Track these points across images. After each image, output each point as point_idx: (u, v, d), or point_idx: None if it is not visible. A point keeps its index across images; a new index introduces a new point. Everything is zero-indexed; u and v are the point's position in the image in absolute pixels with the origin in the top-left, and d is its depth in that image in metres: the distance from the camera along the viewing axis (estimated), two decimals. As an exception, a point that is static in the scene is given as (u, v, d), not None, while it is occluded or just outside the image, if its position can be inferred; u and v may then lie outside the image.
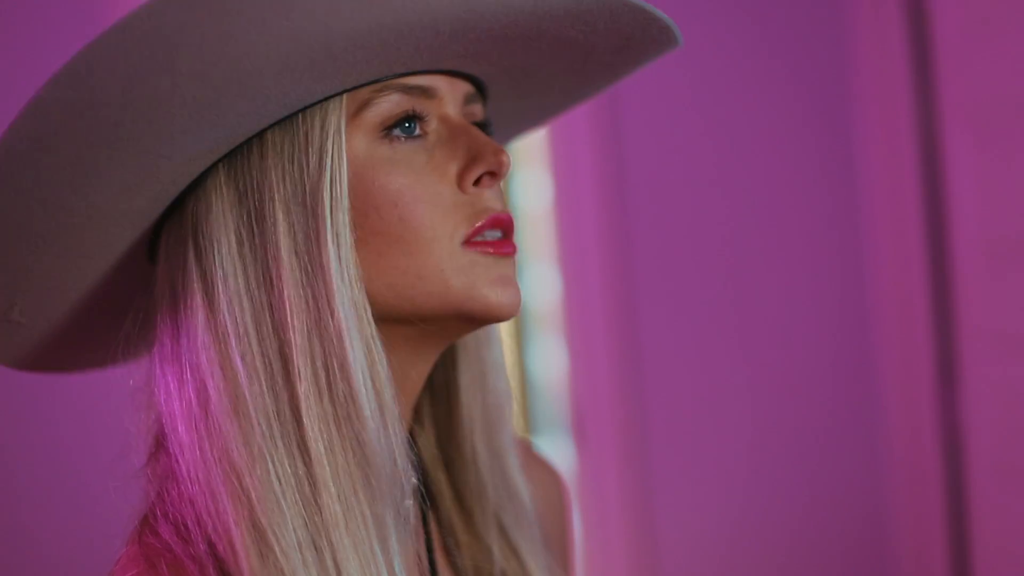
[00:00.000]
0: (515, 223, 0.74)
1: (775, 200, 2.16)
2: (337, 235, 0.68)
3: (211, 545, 0.67)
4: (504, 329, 0.85)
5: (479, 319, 0.72)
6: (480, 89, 0.77)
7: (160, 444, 0.72)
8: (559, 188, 2.15)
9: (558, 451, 2.24)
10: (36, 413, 1.70)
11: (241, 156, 0.69)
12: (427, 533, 0.79)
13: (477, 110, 0.76)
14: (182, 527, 0.68)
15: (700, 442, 2.13)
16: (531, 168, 2.27)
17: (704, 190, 2.14)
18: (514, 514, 0.83)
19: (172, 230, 0.72)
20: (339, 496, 0.67)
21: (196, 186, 0.70)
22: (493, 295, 0.71)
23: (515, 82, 0.78)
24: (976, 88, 1.93)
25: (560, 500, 0.94)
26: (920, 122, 2.04)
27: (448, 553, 0.82)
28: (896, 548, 2.16)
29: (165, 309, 0.71)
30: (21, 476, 1.72)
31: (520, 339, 2.56)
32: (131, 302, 0.76)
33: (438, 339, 0.75)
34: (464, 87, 0.75)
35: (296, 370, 0.67)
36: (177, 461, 0.69)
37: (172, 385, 0.70)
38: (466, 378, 0.82)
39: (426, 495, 0.79)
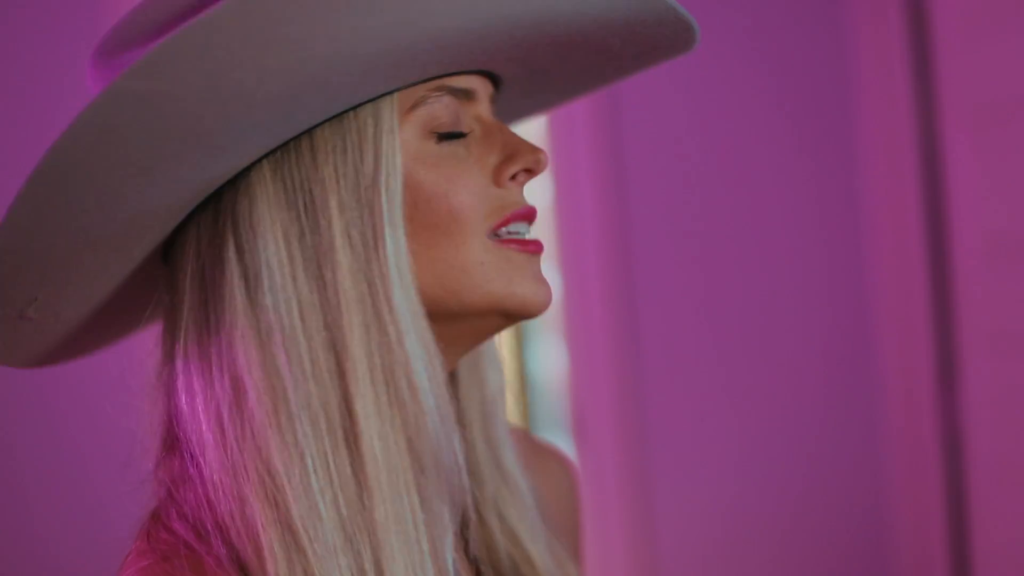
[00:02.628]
0: (537, 215, 0.76)
1: (775, 200, 2.16)
2: (395, 230, 0.68)
3: (232, 548, 0.66)
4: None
5: (516, 315, 0.73)
6: (497, 88, 0.79)
7: (170, 445, 0.71)
8: (559, 188, 2.15)
9: (558, 451, 2.24)
10: (42, 412, 1.70)
11: (287, 152, 0.69)
12: None
13: (493, 110, 0.78)
14: (201, 527, 0.67)
15: (700, 442, 2.13)
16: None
17: (704, 190, 2.14)
18: (513, 504, 0.83)
19: (204, 226, 0.71)
20: (392, 496, 0.67)
21: (235, 181, 0.70)
22: (531, 292, 0.73)
23: (531, 80, 0.80)
24: (976, 88, 1.93)
25: (570, 485, 0.95)
26: (920, 122, 2.04)
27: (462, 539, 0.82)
28: (896, 547, 2.16)
29: (195, 306, 0.70)
30: (27, 475, 1.72)
31: (520, 339, 2.56)
32: (137, 298, 0.76)
33: (471, 337, 0.75)
34: (491, 87, 0.76)
35: (352, 367, 0.67)
36: (197, 462, 0.68)
37: (197, 383, 0.69)
38: (464, 369, 0.82)
39: None
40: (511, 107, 0.85)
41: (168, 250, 0.74)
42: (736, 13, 2.11)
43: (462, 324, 0.73)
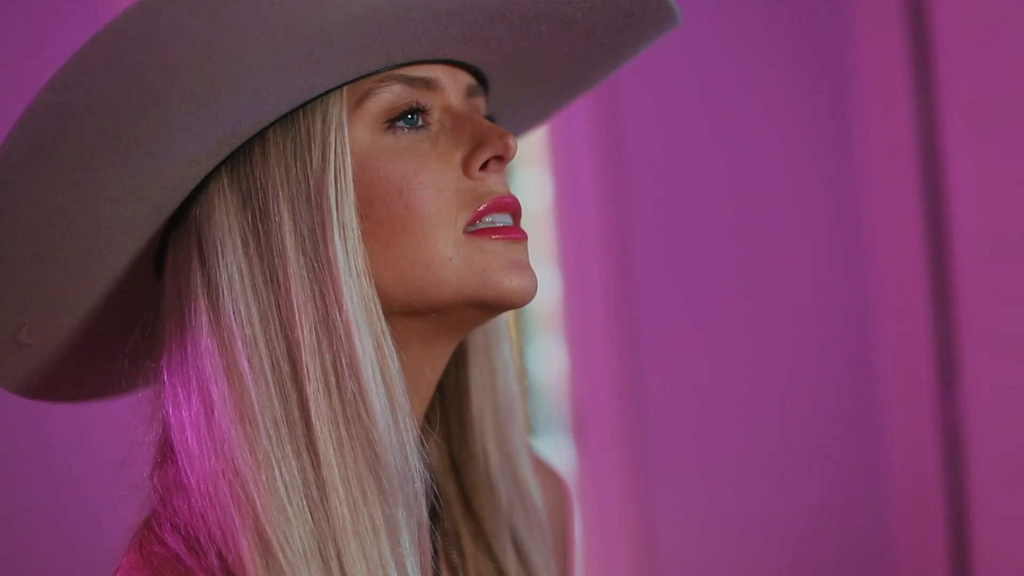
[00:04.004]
0: (521, 207, 0.73)
1: (775, 200, 2.16)
2: (344, 228, 0.67)
3: (222, 559, 0.65)
4: (504, 328, 0.84)
5: (495, 306, 0.70)
6: (482, 82, 0.76)
7: (166, 455, 0.71)
8: (559, 188, 2.15)
9: (558, 451, 2.23)
10: (36, 422, 1.69)
11: (243, 157, 0.68)
12: (432, 542, 0.77)
13: (480, 104, 0.76)
14: (193, 540, 0.66)
15: (700, 442, 2.13)
16: (531, 168, 2.27)
17: (704, 190, 2.13)
18: (526, 518, 0.81)
19: (177, 239, 0.71)
20: (347, 499, 0.66)
21: (199, 192, 0.69)
22: (507, 280, 0.70)
23: (515, 70, 0.78)
24: (976, 88, 1.93)
25: (563, 505, 0.93)
26: (920, 122, 2.04)
27: (451, 565, 0.81)
28: (896, 548, 2.16)
29: (173, 319, 0.70)
30: (20, 486, 1.72)
31: (520, 339, 2.56)
32: (139, 321, 0.75)
33: (452, 332, 0.73)
34: (465, 78, 0.74)
35: (304, 370, 0.66)
36: (187, 473, 0.67)
37: (181, 395, 0.68)
38: (476, 378, 0.80)
39: (436, 501, 0.77)
40: (513, 104, 0.83)
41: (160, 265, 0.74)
42: (736, 13, 2.11)
43: (438, 321, 0.71)
